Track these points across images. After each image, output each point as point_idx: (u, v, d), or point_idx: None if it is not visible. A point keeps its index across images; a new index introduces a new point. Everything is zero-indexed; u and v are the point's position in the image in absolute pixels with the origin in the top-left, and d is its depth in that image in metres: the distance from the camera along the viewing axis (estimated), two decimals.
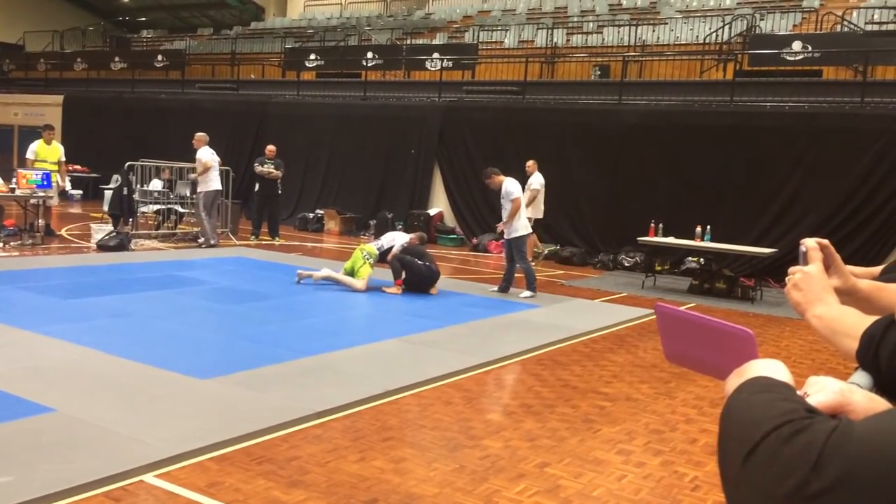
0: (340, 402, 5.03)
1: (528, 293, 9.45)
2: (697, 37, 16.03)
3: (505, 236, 9.53)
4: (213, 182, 12.42)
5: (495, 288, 9.73)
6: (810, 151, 11.68)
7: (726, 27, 15.52)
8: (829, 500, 0.66)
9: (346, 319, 7.79)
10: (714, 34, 15.58)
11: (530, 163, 12.52)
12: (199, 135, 12.59)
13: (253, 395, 5.10)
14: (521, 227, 9.33)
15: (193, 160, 12.72)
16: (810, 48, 12.87)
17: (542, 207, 12.49)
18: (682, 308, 1.15)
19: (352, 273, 9.25)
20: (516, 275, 9.64)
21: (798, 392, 0.85)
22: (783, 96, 12.53)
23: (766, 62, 13.58)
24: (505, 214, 9.33)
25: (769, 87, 12.97)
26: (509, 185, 9.36)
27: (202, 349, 6.25)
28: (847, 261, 1.50)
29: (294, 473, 3.95)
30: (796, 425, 0.72)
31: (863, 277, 1.50)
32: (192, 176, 12.73)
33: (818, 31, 14.73)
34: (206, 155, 12.38)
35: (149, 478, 3.78)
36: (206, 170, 12.32)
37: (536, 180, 12.36)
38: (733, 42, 15.24)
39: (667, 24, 17.02)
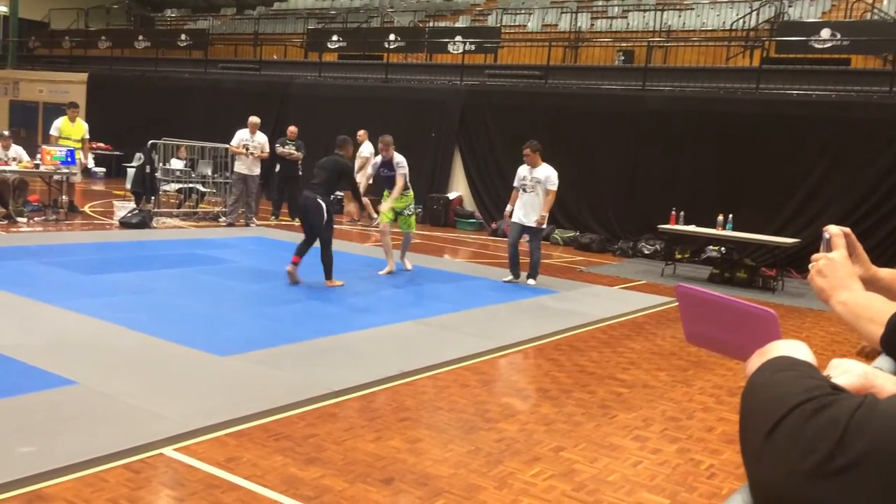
0: (357, 382, 5.07)
1: (509, 278, 9.29)
2: (724, 23, 15.82)
3: (530, 223, 9.02)
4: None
5: (509, 279, 9.31)
6: (836, 141, 11.53)
7: (754, 13, 15.31)
8: (853, 476, 0.66)
9: (364, 301, 7.83)
10: (741, 20, 15.37)
11: (361, 132, 13.77)
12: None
13: (271, 372, 5.15)
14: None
15: (215, 140, 12.80)
16: (839, 36, 12.66)
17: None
18: (703, 289, 1.14)
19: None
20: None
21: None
22: (810, 84, 12.36)
23: (793, 49, 13.38)
24: (534, 196, 8.99)
25: (796, 74, 12.79)
26: (552, 173, 9.03)
27: (222, 327, 6.30)
28: (871, 252, 1.49)
29: (311, 451, 3.99)
30: (821, 401, 0.72)
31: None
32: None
33: (848, 19, 14.48)
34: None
35: (168, 451, 3.83)
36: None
37: (367, 148, 13.50)
38: (760, 28, 15.02)
39: (693, 9, 16.81)
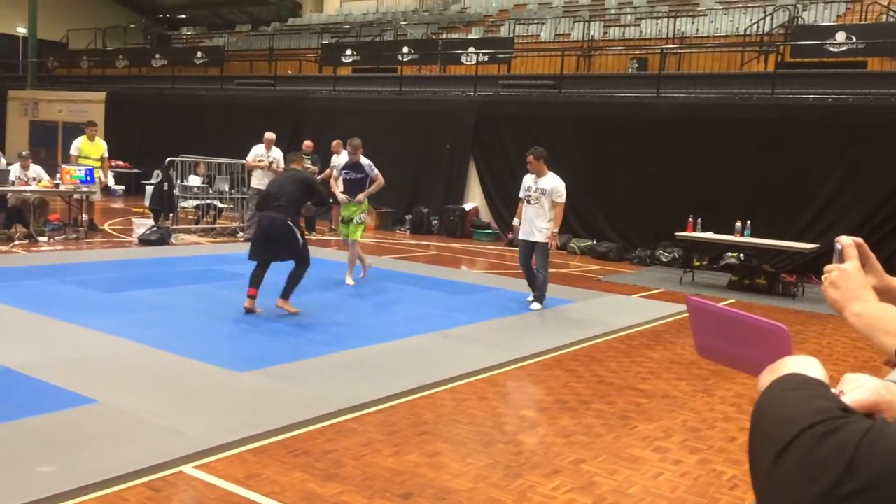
0: (376, 397, 5.06)
1: (532, 297, 8.49)
2: (738, 28, 15.76)
3: (535, 239, 8.23)
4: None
5: (530, 298, 8.49)
6: (854, 145, 11.42)
7: (768, 18, 15.25)
8: (863, 501, 0.65)
9: (381, 314, 7.83)
10: (755, 25, 15.31)
11: (335, 143, 13.38)
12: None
13: (289, 388, 5.16)
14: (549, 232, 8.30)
15: (232, 156, 12.90)
16: (854, 39, 12.58)
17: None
18: (714, 303, 1.13)
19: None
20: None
21: (833, 390, 0.84)
22: (826, 89, 12.26)
23: (808, 53, 13.30)
24: (539, 209, 8.21)
25: (812, 79, 12.71)
26: (559, 183, 8.25)
27: (240, 342, 6.33)
28: (892, 258, 1.48)
29: (330, 466, 3.99)
30: (830, 424, 0.71)
31: None
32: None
33: (863, 22, 14.38)
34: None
35: (188, 469, 3.84)
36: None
37: (344, 159, 12.94)
38: (775, 33, 14.96)
39: (706, 15, 16.77)
